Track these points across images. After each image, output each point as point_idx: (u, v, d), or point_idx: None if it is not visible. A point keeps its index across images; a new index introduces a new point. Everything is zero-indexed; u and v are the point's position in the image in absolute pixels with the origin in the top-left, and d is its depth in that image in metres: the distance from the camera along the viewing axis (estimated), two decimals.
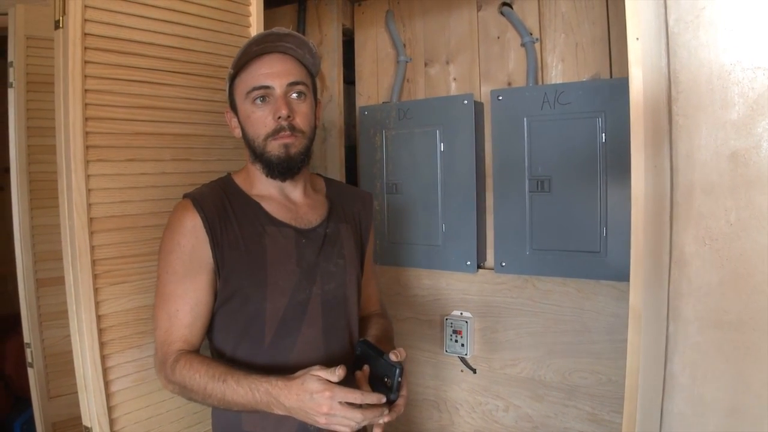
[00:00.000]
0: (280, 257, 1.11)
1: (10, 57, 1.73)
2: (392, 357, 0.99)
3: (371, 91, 1.98)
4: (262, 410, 0.99)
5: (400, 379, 0.98)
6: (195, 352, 1.08)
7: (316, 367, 0.96)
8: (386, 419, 0.98)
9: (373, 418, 0.95)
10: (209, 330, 1.14)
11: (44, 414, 1.84)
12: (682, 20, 0.92)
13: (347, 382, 0.98)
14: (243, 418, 1.10)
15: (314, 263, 1.14)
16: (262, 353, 1.10)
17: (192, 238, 1.07)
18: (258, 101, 1.09)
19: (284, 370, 1.06)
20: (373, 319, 1.30)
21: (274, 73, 1.08)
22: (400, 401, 1.01)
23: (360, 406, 0.94)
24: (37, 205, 1.79)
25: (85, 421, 1.21)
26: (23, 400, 2.28)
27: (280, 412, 0.97)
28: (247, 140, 1.13)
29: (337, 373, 0.94)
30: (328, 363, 1.09)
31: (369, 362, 1.04)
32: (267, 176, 1.13)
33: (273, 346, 1.10)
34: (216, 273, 1.09)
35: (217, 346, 1.14)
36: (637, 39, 0.95)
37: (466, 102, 1.67)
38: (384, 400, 0.95)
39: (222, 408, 1.03)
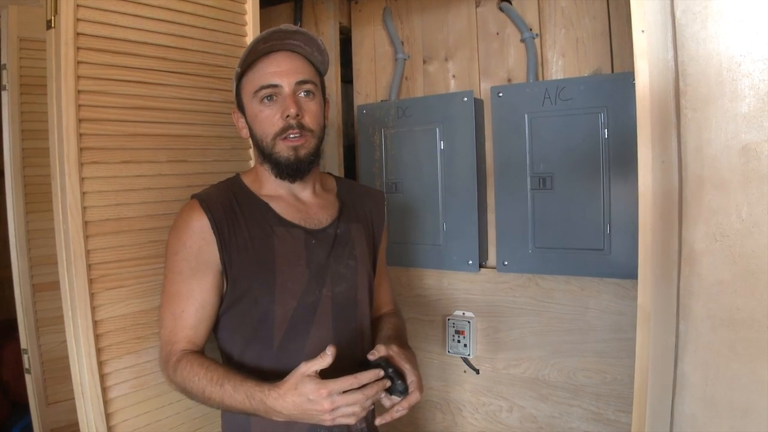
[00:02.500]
0: (289, 258, 1.09)
1: (3, 59, 1.70)
2: (370, 358, 1.03)
3: (369, 89, 1.95)
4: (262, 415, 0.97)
5: (390, 370, 1.00)
6: (198, 352, 1.08)
7: (302, 364, 0.94)
8: (401, 409, 1.00)
9: (376, 394, 0.95)
10: (217, 332, 1.13)
11: (42, 420, 1.81)
12: (690, 11, 0.90)
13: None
14: (252, 421, 1.08)
15: (324, 264, 1.12)
16: (271, 356, 1.08)
17: (199, 239, 1.06)
18: (266, 100, 1.07)
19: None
20: (384, 319, 1.28)
21: (282, 71, 1.07)
22: (411, 390, 1.01)
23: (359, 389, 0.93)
24: (33, 209, 1.76)
25: (83, 429, 1.18)
26: (21, 406, 2.25)
27: (280, 419, 0.96)
28: (255, 140, 1.12)
29: (328, 355, 0.93)
30: (339, 366, 1.09)
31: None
32: (276, 177, 1.12)
33: (282, 349, 1.08)
34: (223, 274, 1.08)
35: (226, 349, 1.12)
36: (643, 31, 0.93)
37: (465, 99, 1.65)
38: (381, 373, 0.95)
39: (224, 410, 1.03)
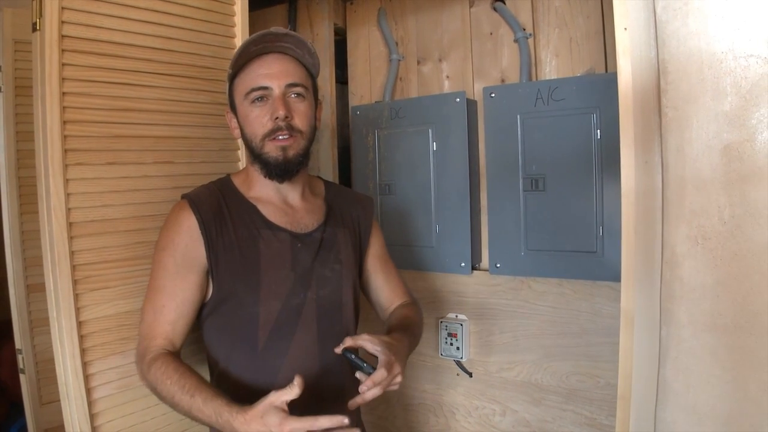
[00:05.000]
0: (275, 261, 1.10)
1: None
2: (336, 351, 1.05)
3: (364, 90, 1.94)
4: None
5: (353, 356, 1.03)
6: (174, 354, 1.08)
7: (272, 394, 0.91)
8: (366, 389, 0.98)
9: None
10: (203, 335, 1.14)
11: (37, 420, 1.82)
12: (671, 7, 0.88)
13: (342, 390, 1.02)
14: None
15: (309, 268, 1.13)
16: (256, 358, 1.09)
17: (186, 237, 1.07)
18: (256, 101, 1.08)
19: (276, 376, 1.07)
20: (394, 312, 1.28)
21: (272, 73, 1.08)
22: (379, 373, 0.98)
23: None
24: (27, 210, 1.76)
25: (68, 429, 1.19)
26: (19, 406, 2.26)
27: None
28: (245, 141, 1.13)
29: (296, 386, 0.89)
30: (323, 369, 1.12)
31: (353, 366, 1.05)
32: (265, 177, 1.12)
33: (266, 351, 1.09)
34: (209, 275, 1.09)
35: (212, 351, 1.13)
36: (625, 29, 0.91)
37: (458, 100, 1.63)
38: (345, 421, 0.90)
39: (190, 418, 1.01)
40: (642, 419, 0.95)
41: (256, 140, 1.09)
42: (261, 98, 1.08)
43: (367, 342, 1.03)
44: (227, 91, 1.16)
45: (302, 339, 1.11)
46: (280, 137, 1.08)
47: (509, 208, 1.58)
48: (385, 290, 1.32)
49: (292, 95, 1.09)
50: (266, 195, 1.16)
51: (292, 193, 1.18)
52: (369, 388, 0.98)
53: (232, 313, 1.09)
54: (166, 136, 1.33)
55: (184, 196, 1.12)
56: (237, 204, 1.14)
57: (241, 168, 1.41)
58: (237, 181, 1.18)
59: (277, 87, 1.07)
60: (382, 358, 1.00)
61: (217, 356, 1.12)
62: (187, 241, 1.07)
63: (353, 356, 1.02)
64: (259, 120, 1.08)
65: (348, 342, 1.04)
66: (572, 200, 1.48)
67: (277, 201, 1.16)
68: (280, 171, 1.10)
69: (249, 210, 1.13)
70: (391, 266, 1.36)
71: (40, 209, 1.17)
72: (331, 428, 0.89)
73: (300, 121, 1.09)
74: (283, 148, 1.08)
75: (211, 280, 1.09)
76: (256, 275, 1.09)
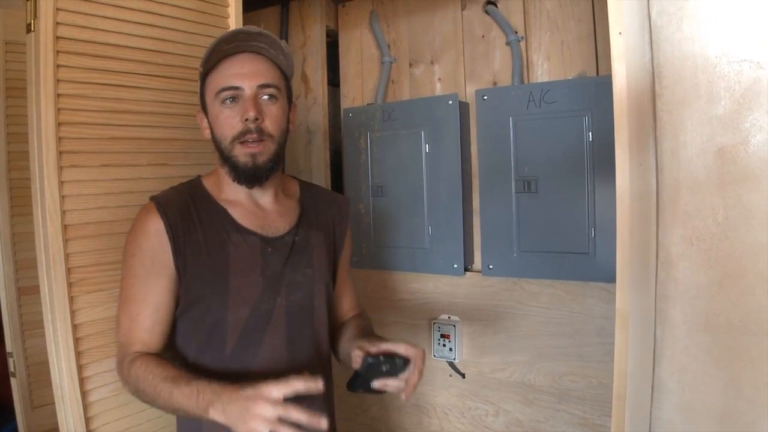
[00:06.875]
0: (243, 266, 1.08)
1: None
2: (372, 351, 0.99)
3: (356, 92, 1.95)
4: (197, 415, 0.93)
5: (381, 358, 0.98)
6: (155, 354, 1.06)
7: (268, 384, 0.89)
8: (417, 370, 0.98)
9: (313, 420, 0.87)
10: (173, 336, 1.12)
11: (27, 424, 1.81)
12: (665, 12, 0.90)
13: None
14: (204, 424, 1.05)
15: (279, 273, 1.11)
16: (224, 362, 1.07)
17: (153, 242, 1.05)
18: (227, 102, 1.05)
19: (246, 380, 1.04)
20: (348, 323, 1.27)
21: (244, 73, 1.04)
22: (411, 352, 0.99)
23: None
24: (18, 212, 1.75)
25: None
26: (9, 410, 2.23)
27: (215, 416, 0.90)
28: (215, 141, 1.09)
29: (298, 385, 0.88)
30: (292, 373, 1.08)
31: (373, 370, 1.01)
32: (234, 181, 1.09)
33: (234, 356, 1.07)
34: (178, 279, 1.06)
35: (180, 352, 1.11)
36: (620, 33, 0.92)
37: (450, 102, 1.65)
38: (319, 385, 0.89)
39: (166, 411, 1.01)
40: (637, 418, 0.96)
41: (225, 142, 1.06)
42: (232, 99, 1.04)
43: (370, 346, 1.02)
44: (199, 91, 1.12)
45: (271, 344, 1.09)
46: (250, 142, 1.04)
47: (501, 209, 1.60)
48: (344, 301, 1.30)
49: (264, 97, 1.05)
50: (236, 198, 1.12)
51: (263, 196, 1.14)
52: (420, 369, 0.99)
53: (200, 317, 1.07)
54: (161, 138, 1.33)
55: (152, 198, 1.09)
56: (206, 207, 1.10)
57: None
58: (207, 183, 1.14)
59: (248, 87, 1.03)
60: (402, 345, 1.00)
61: (185, 358, 1.10)
62: (155, 246, 1.04)
63: (382, 358, 0.98)
64: (229, 121, 1.04)
65: (366, 347, 1.01)
66: (564, 202, 1.50)
67: (247, 204, 1.13)
68: (248, 177, 1.07)
69: (219, 213, 1.10)
70: (349, 277, 1.34)
71: (35, 211, 1.17)
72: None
73: (271, 124, 1.06)
74: (253, 155, 1.05)
75: (179, 284, 1.07)
76: (225, 280, 1.06)
